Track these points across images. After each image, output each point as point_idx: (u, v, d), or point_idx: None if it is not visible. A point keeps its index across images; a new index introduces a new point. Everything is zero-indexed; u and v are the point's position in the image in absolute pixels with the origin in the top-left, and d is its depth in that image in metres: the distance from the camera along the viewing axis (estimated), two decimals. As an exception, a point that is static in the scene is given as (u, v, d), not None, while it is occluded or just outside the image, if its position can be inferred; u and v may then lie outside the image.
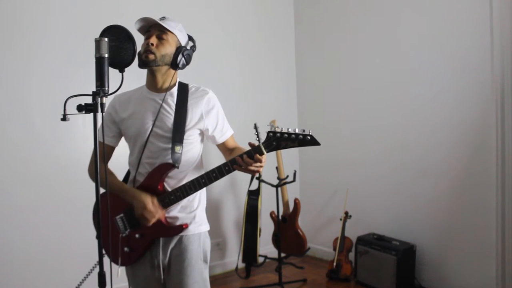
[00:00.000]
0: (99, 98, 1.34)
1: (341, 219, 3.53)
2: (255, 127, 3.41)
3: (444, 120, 3.05)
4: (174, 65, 1.70)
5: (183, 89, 1.75)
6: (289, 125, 4.14)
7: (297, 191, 4.16)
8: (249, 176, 3.57)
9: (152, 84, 1.74)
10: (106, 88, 1.35)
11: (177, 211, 1.72)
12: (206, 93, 1.76)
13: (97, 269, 1.36)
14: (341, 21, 3.80)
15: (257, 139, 3.21)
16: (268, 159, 3.73)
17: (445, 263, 3.08)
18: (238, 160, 1.56)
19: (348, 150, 3.78)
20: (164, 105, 1.70)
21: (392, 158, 3.41)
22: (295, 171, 3.57)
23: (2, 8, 2.75)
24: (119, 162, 1.88)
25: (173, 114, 1.69)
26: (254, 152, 1.54)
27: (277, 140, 1.53)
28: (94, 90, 1.34)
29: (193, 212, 1.74)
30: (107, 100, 1.37)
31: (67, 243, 2.94)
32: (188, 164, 1.72)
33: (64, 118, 1.35)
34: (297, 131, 1.52)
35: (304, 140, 1.51)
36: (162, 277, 1.72)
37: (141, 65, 1.68)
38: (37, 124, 2.87)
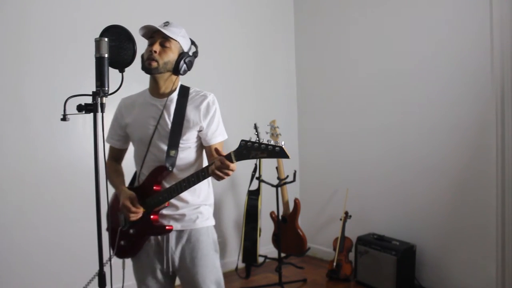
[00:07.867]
0: (99, 98, 1.34)
1: (341, 219, 3.53)
2: (255, 127, 3.41)
3: (444, 120, 3.05)
4: (176, 71, 1.75)
5: (184, 93, 1.80)
6: (289, 125, 4.19)
7: (297, 191, 4.16)
8: (249, 176, 3.58)
9: (155, 89, 1.79)
10: (106, 88, 1.36)
11: (184, 208, 1.78)
12: (206, 97, 1.79)
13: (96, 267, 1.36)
14: (341, 21, 3.80)
15: (257, 139, 3.22)
16: (268, 159, 3.72)
17: (445, 263, 3.08)
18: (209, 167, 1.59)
19: (348, 150, 3.78)
20: (164, 111, 1.76)
21: (392, 158, 3.42)
22: (295, 171, 3.57)
23: (2, 8, 2.75)
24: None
25: (172, 119, 1.75)
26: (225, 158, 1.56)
27: (248, 149, 1.53)
28: (94, 90, 1.35)
29: (200, 208, 1.81)
30: (107, 100, 1.38)
31: (67, 243, 2.94)
32: (184, 168, 1.78)
33: (64, 118, 1.35)
34: (272, 142, 1.51)
35: (274, 152, 1.50)
36: (170, 270, 1.79)
37: (144, 71, 1.74)
38: (37, 124, 2.87)
